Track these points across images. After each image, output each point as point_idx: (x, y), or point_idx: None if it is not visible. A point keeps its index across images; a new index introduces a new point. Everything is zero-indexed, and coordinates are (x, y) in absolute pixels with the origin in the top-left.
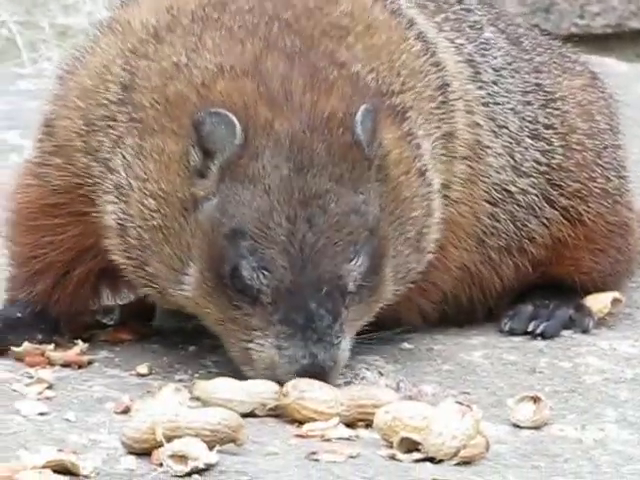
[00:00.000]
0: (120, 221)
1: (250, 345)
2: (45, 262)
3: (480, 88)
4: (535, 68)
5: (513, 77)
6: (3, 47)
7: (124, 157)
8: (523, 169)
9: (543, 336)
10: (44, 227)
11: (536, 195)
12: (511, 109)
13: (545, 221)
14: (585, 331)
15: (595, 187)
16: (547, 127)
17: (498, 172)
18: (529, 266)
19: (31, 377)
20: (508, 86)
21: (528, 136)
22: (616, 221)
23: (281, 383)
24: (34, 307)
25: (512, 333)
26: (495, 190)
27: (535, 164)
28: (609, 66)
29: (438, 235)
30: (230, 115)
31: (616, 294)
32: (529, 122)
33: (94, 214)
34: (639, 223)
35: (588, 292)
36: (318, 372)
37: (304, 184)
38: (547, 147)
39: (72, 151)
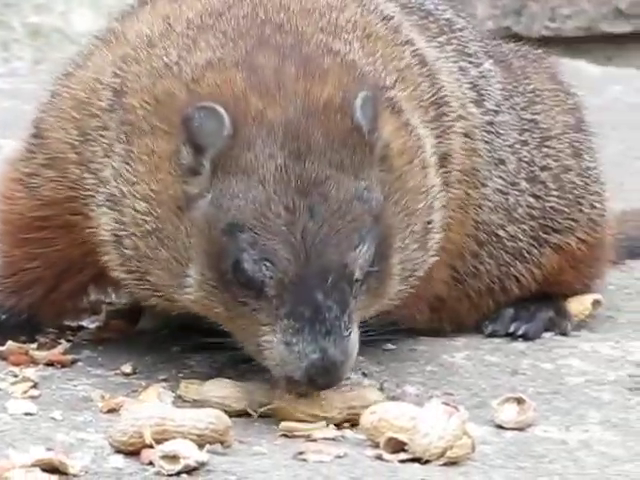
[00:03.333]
0: (115, 232)
1: (260, 341)
2: (34, 275)
3: (484, 114)
4: (529, 100)
5: (510, 114)
6: None
7: (113, 166)
8: (516, 215)
9: (524, 337)
10: (33, 240)
11: (527, 242)
12: (509, 146)
13: (534, 263)
14: (564, 333)
15: (582, 218)
16: (543, 169)
17: (491, 210)
18: (513, 298)
19: (15, 376)
20: (507, 121)
21: (525, 179)
22: (597, 241)
23: (293, 381)
24: (20, 315)
25: (494, 335)
26: (484, 231)
27: (529, 209)
28: (581, 69)
29: (440, 236)
30: (217, 107)
31: (596, 296)
32: (526, 163)
33: (87, 228)
34: (611, 230)
35: (563, 297)
36: (329, 367)
37: (302, 172)
38: (543, 190)
39: (65, 163)
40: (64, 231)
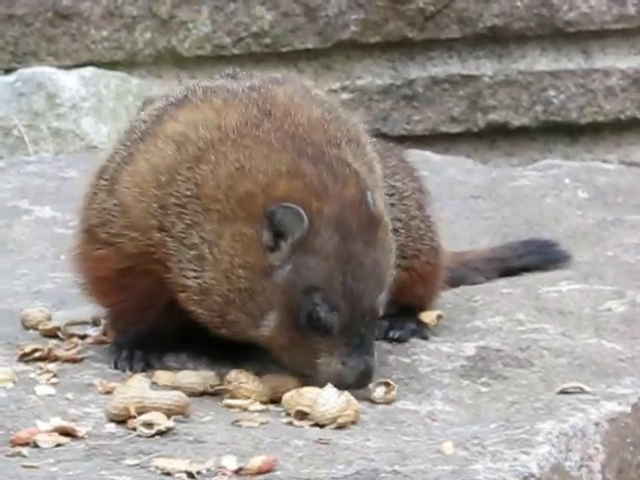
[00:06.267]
0: (204, 285)
1: (317, 362)
2: (130, 312)
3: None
4: (392, 171)
5: (385, 184)
6: (15, 143)
7: (203, 237)
8: None
9: (398, 340)
10: (122, 286)
11: None
12: (385, 206)
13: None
14: (424, 338)
15: (424, 248)
16: (398, 220)
17: None
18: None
19: (41, 369)
20: (384, 191)
21: (390, 230)
22: (437, 263)
23: (343, 385)
24: (135, 345)
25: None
26: None
27: None
28: (427, 156)
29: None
30: (299, 208)
31: (439, 312)
32: (392, 220)
33: (164, 274)
34: (446, 261)
35: (420, 311)
36: (369, 373)
37: (347, 248)
38: (396, 234)
39: (146, 227)
40: (143, 276)
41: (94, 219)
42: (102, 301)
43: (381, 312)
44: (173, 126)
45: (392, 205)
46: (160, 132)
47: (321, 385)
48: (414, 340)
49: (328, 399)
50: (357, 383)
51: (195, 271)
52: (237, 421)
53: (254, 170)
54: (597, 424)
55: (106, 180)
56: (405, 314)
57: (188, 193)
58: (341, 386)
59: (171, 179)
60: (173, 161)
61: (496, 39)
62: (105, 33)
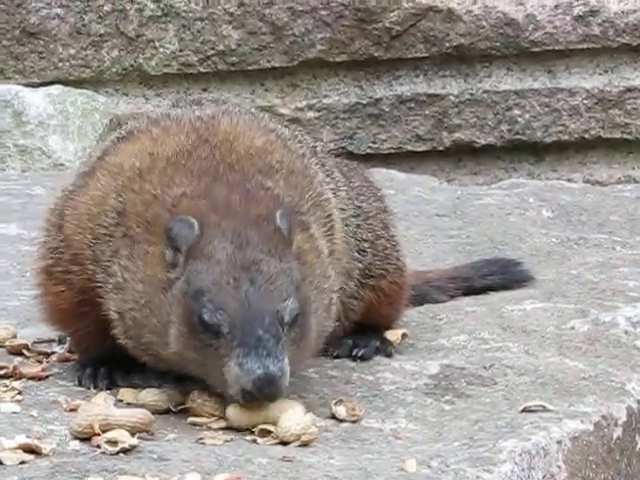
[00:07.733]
0: (120, 310)
1: (222, 370)
2: (90, 337)
3: (341, 212)
4: (357, 192)
5: (350, 206)
6: None
7: (120, 263)
8: (352, 274)
9: (362, 358)
10: (80, 315)
11: (355, 288)
12: (351, 230)
13: (360, 298)
14: (389, 355)
15: (390, 267)
16: (365, 240)
17: (346, 275)
18: (347, 324)
19: (6, 386)
20: (350, 215)
21: (356, 251)
22: (403, 282)
23: (245, 392)
24: (98, 366)
25: (337, 357)
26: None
27: (358, 270)
28: (393, 175)
29: (336, 307)
30: (190, 218)
31: (404, 330)
32: (358, 240)
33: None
34: (410, 280)
35: (384, 330)
36: (270, 379)
37: (244, 256)
38: (363, 254)
39: (83, 259)
40: (97, 305)
41: (49, 259)
42: (63, 329)
43: (287, 318)
44: (113, 159)
45: (358, 226)
46: (101, 166)
47: (233, 395)
48: (378, 358)
49: (292, 416)
50: (257, 389)
51: (113, 300)
52: (201, 439)
53: (165, 195)
54: (560, 442)
55: (56, 216)
56: (369, 332)
57: (113, 222)
58: (246, 395)
59: (101, 210)
60: (104, 192)
61: (462, 58)
62: (72, 51)
